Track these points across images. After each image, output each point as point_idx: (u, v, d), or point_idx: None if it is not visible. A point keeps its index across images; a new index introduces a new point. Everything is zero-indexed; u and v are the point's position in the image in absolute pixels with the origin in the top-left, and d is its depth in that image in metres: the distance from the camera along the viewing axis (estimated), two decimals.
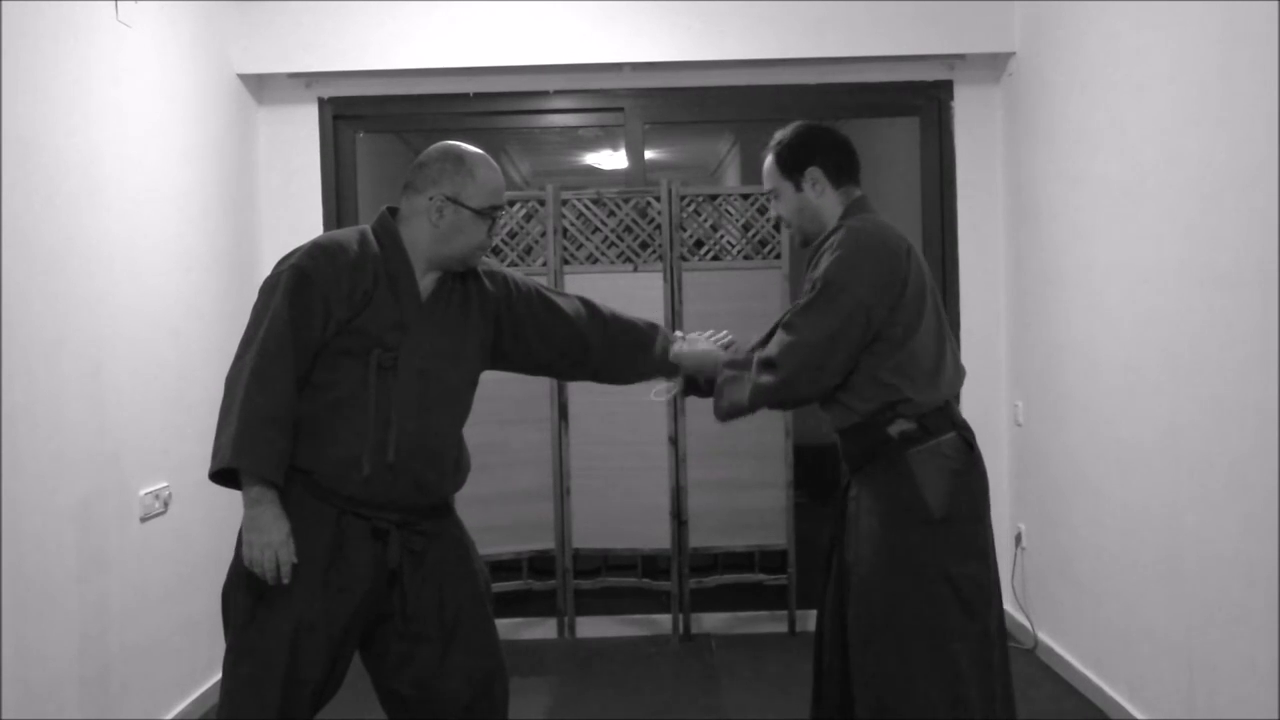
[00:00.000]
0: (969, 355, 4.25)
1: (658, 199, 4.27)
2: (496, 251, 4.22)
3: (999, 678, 2.25)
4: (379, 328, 2.09)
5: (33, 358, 2.72)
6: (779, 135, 2.40)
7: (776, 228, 4.25)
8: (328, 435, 2.07)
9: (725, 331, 2.54)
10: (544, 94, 4.40)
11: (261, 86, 4.30)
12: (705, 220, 4.30)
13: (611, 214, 4.29)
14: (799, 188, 2.35)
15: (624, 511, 4.24)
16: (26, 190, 2.71)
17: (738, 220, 4.29)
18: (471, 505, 2.50)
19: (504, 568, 4.24)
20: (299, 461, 2.06)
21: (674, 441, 4.23)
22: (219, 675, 2.17)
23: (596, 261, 4.27)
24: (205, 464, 2.04)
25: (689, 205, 4.28)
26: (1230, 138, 2.67)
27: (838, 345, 2.20)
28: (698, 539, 4.25)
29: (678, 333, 2.54)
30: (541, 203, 4.26)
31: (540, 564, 4.38)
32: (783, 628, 4.34)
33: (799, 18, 4.13)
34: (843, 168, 2.36)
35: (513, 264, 4.23)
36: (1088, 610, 3.57)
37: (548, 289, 2.39)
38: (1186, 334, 2.88)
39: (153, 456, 3.30)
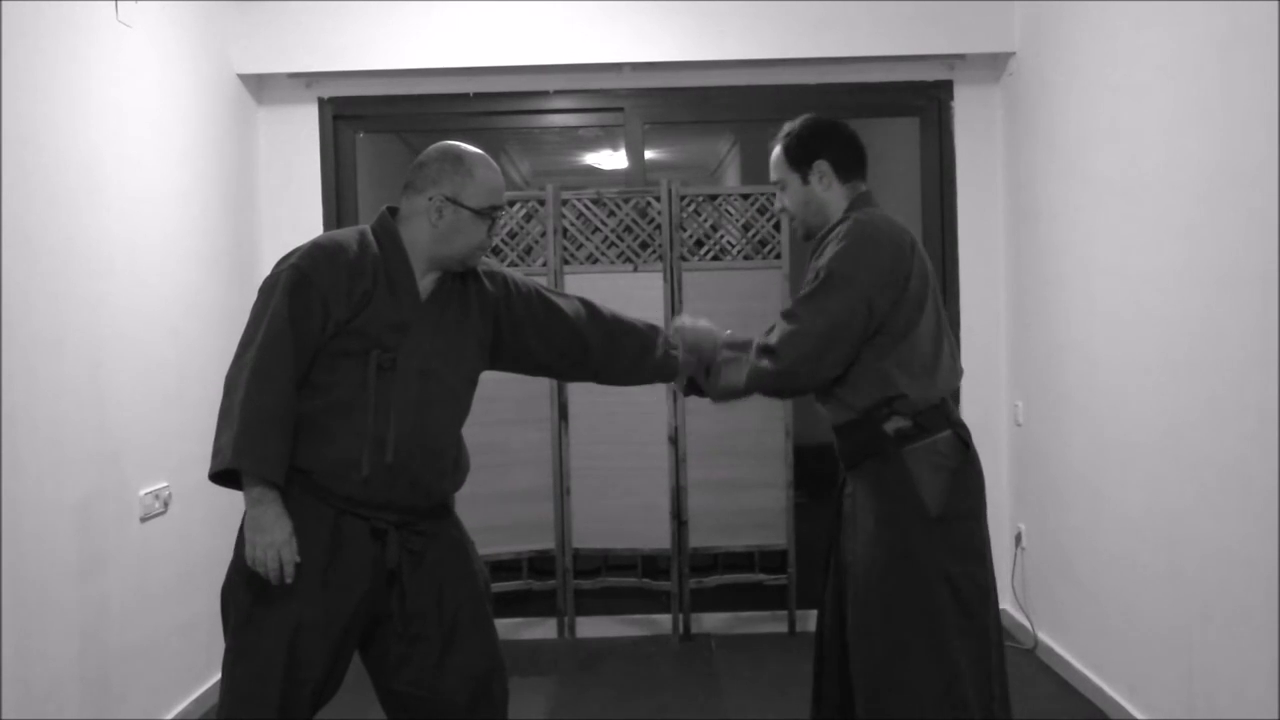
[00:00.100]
0: (969, 355, 4.25)
1: (658, 199, 4.27)
2: (496, 251, 4.22)
3: (996, 678, 2.25)
4: (378, 328, 2.09)
5: (33, 358, 2.72)
6: (788, 127, 2.40)
7: (777, 227, 4.25)
8: (326, 435, 2.07)
9: (728, 330, 2.53)
10: (544, 94, 4.40)
11: (261, 86, 4.30)
12: (705, 220, 4.30)
13: (611, 214, 4.29)
14: (806, 180, 2.35)
15: (624, 511, 4.24)
16: (26, 190, 2.72)
17: (738, 220, 4.29)
18: (471, 505, 2.50)
19: (504, 568, 4.24)
20: (298, 461, 2.06)
21: (674, 441, 4.23)
22: (219, 675, 2.17)
23: (596, 261, 4.27)
24: (205, 464, 2.04)
25: (689, 205, 4.28)
26: (1230, 138, 2.67)
27: (839, 336, 2.20)
28: (698, 539, 4.25)
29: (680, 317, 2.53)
30: (541, 203, 4.27)
31: (540, 564, 4.38)
32: (783, 628, 4.34)
33: (799, 18, 4.13)
34: (850, 162, 2.36)
35: (513, 264, 4.23)
36: (1088, 610, 3.57)
37: (548, 289, 2.39)
38: (1186, 334, 2.88)
39: (153, 456, 3.30)
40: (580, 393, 4.15)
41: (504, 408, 4.04)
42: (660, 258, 4.23)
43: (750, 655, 4.09)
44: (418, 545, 2.16)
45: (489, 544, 3.69)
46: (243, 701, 2.06)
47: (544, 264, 4.24)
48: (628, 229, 4.28)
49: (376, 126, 4.57)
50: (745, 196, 4.32)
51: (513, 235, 4.28)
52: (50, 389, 2.79)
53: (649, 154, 6.35)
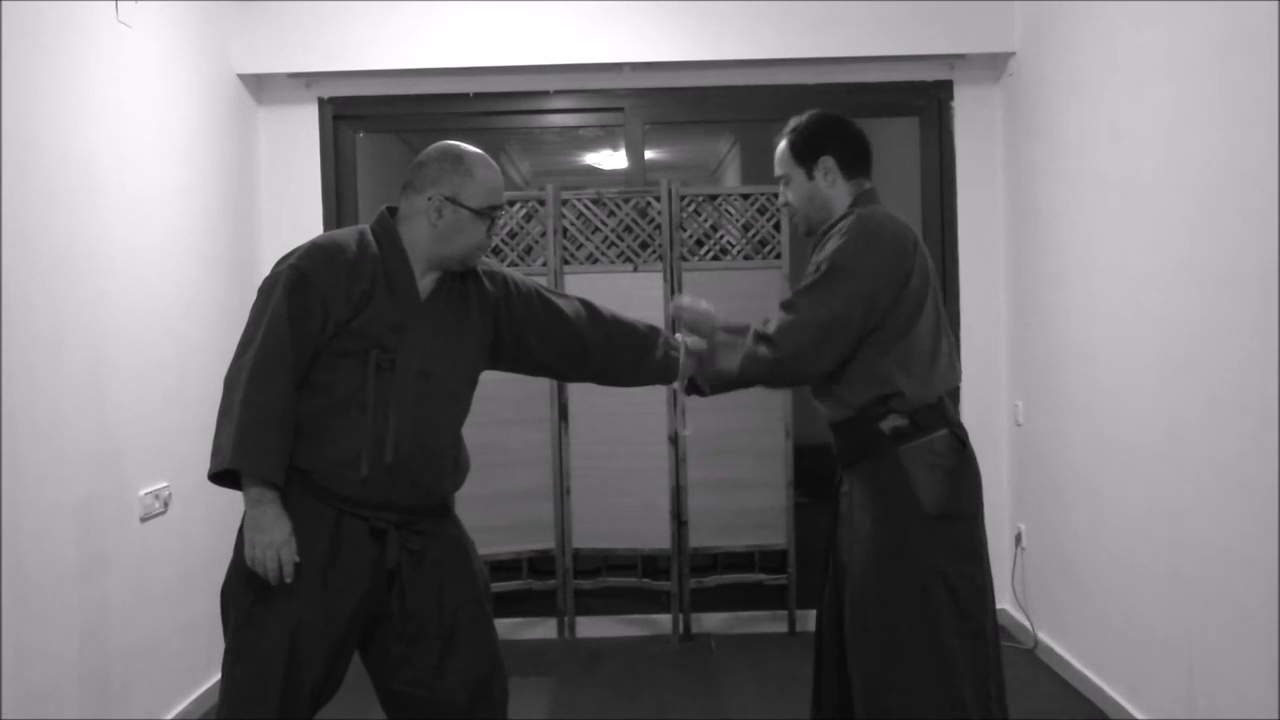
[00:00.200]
0: (969, 355, 4.26)
1: (658, 199, 4.27)
2: (496, 251, 4.22)
3: (994, 678, 2.25)
4: (377, 328, 2.09)
5: (33, 358, 2.72)
6: (794, 122, 2.40)
7: (777, 227, 4.25)
8: (326, 435, 2.07)
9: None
10: (544, 94, 4.40)
11: (261, 86, 4.30)
12: (705, 220, 4.30)
13: (611, 214, 4.29)
14: (811, 176, 2.35)
15: (624, 511, 4.24)
16: (26, 190, 2.71)
17: (738, 220, 4.29)
18: (471, 505, 2.50)
19: (504, 568, 4.24)
20: (297, 461, 2.06)
21: (674, 441, 4.23)
22: (219, 675, 2.17)
23: (596, 261, 4.27)
24: (205, 464, 2.04)
25: (689, 205, 4.28)
26: (1230, 138, 2.67)
27: (838, 329, 2.19)
28: (698, 539, 4.25)
29: (681, 297, 2.53)
30: (541, 203, 4.27)
31: (540, 564, 4.38)
32: (783, 628, 4.34)
33: (799, 18, 4.13)
34: (856, 159, 2.36)
35: (513, 264, 4.24)
36: (1088, 610, 3.57)
37: (548, 290, 2.39)
38: (1186, 334, 2.88)
39: (153, 456, 3.30)
40: (580, 393, 4.15)
41: (504, 408, 4.04)
42: (660, 258, 4.23)
43: (750, 655, 4.09)
44: (417, 545, 2.16)
45: (489, 544, 3.68)
46: (243, 701, 2.06)
47: (544, 264, 4.24)
48: (628, 229, 4.28)
49: (376, 126, 4.57)
50: (745, 196, 4.32)
51: (513, 235, 4.28)
52: (50, 389, 2.79)
53: (649, 154, 6.35)
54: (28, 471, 2.68)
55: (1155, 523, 3.08)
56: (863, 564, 2.23)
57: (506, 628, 4.17)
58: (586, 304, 2.40)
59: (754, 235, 4.27)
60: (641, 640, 4.31)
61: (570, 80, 4.34)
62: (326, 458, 2.07)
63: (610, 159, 7.95)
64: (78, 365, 2.92)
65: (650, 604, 4.40)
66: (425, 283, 2.17)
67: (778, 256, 4.25)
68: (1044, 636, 3.96)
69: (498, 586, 3.48)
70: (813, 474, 4.72)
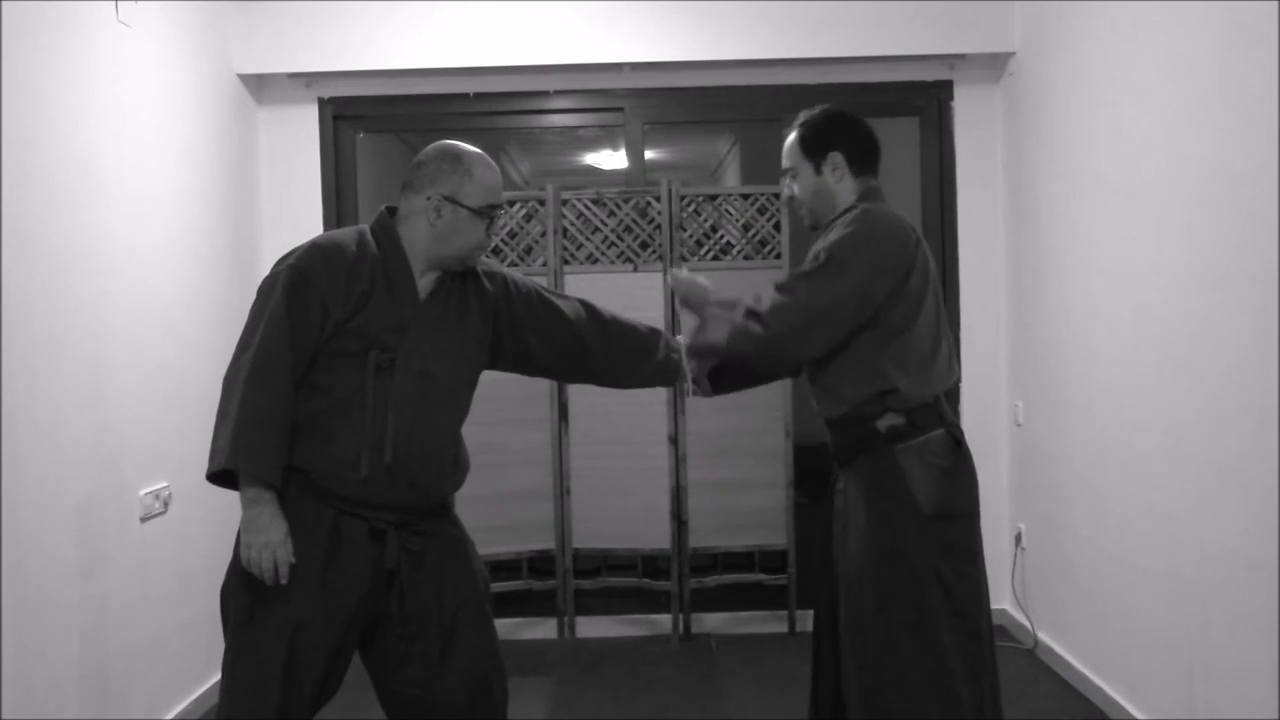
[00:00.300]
0: (969, 355, 4.26)
1: (658, 199, 4.27)
2: (496, 251, 4.22)
3: (988, 676, 2.25)
4: (377, 328, 2.09)
5: (33, 358, 2.72)
6: (805, 115, 2.40)
7: (777, 227, 4.25)
8: (325, 436, 2.07)
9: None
10: (544, 94, 4.40)
11: (261, 86, 4.30)
12: (705, 220, 4.30)
13: (611, 214, 4.29)
14: (818, 170, 2.35)
15: (624, 511, 4.24)
16: (26, 190, 2.72)
17: (738, 220, 4.29)
18: (471, 505, 2.50)
19: (504, 568, 4.24)
20: (297, 462, 2.06)
21: (674, 441, 4.23)
22: (219, 675, 2.17)
23: (596, 261, 4.27)
24: (205, 464, 2.04)
25: (689, 205, 4.29)
26: (1230, 138, 2.67)
27: (829, 318, 2.20)
28: (697, 539, 4.25)
29: (678, 269, 2.53)
30: (541, 203, 4.27)
31: (540, 564, 4.38)
32: (783, 628, 4.34)
33: (799, 18, 4.13)
34: (865, 157, 2.36)
35: (513, 264, 4.24)
36: (1088, 610, 3.57)
37: (548, 290, 2.39)
38: (1186, 334, 2.88)
39: (153, 456, 3.30)
40: (580, 393, 4.15)
41: (504, 408, 4.04)
42: (660, 258, 4.23)
43: (750, 655, 4.09)
44: (417, 545, 2.16)
45: (489, 544, 3.68)
46: (242, 701, 2.06)
47: (544, 264, 4.24)
48: (628, 229, 4.28)
49: (376, 126, 4.57)
50: (745, 196, 4.32)
51: (513, 235, 4.28)
52: (50, 389, 2.79)
53: (649, 154, 6.36)
54: (28, 471, 2.68)
55: (1155, 523, 3.08)
56: (858, 563, 2.23)
57: (506, 628, 4.17)
58: (587, 305, 2.40)
59: (754, 235, 4.27)
60: (641, 640, 4.31)
61: (570, 80, 4.34)
62: (326, 458, 2.07)
63: (610, 159, 7.95)
64: (78, 365, 2.92)
65: (650, 604, 4.40)
66: (425, 283, 2.17)
67: (778, 256, 4.25)
68: (1044, 636, 3.96)
69: (498, 586, 3.48)
70: (812, 474, 4.72)
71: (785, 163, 2.41)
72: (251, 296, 2.12)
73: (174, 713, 3.44)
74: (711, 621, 4.38)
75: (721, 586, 4.34)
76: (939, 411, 2.27)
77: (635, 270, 4.25)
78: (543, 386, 4.15)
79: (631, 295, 4.11)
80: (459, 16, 4.12)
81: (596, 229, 4.29)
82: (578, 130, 6.12)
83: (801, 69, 4.30)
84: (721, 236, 4.29)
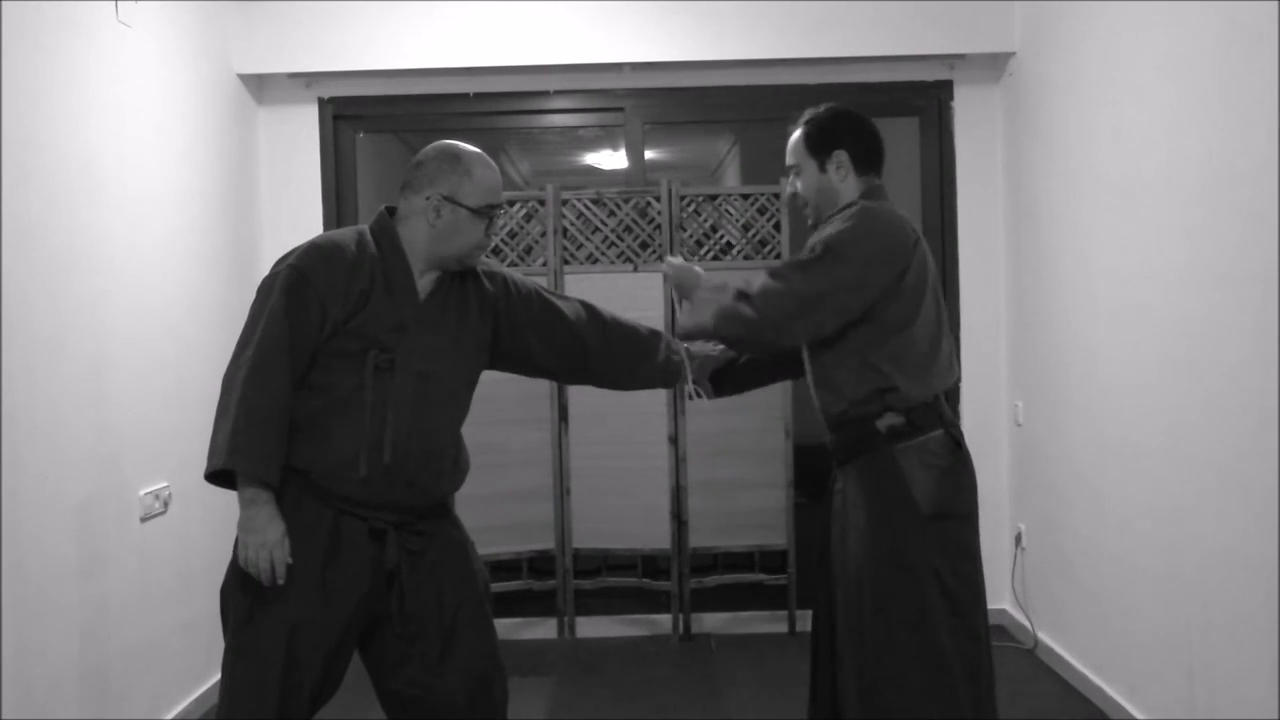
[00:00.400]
0: (969, 355, 4.26)
1: (658, 199, 4.27)
2: (496, 251, 4.22)
3: (984, 676, 2.25)
4: (376, 328, 2.09)
5: (33, 358, 2.72)
6: (810, 113, 2.40)
7: (777, 227, 4.25)
8: (325, 436, 2.07)
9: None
10: (544, 94, 4.40)
11: (261, 86, 4.30)
12: (705, 220, 4.30)
13: (611, 214, 4.29)
14: (823, 168, 2.36)
15: (624, 511, 4.24)
16: (26, 190, 2.72)
17: (738, 220, 4.29)
18: (471, 505, 2.51)
19: (504, 568, 4.24)
20: (296, 462, 2.06)
21: (674, 441, 4.23)
22: (219, 675, 2.17)
23: (596, 261, 4.27)
24: (204, 464, 2.04)
25: (689, 205, 4.29)
26: (1230, 138, 2.67)
27: (818, 306, 2.20)
28: (698, 539, 4.25)
29: (670, 257, 2.54)
30: (541, 203, 4.27)
31: (540, 564, 4.38)
32: (783, 628, 4.34)
33: (799, 18, 4.13)
34: (869, 156, 2.37)
35: (513, 264, 4.24)
36: (1088, 610, 3.57)
37: (548, 291, 2.39)
38: (1186, 334, 2.88)
39: (153, 456, 3.30)
40: (580, 393, 4.15)
41: (504, 408, 4.04)
42: (660, 258, 4.23)
43: (750, 655, 4.08)
44: (417, 545, 2.16)
45: (489, 544, 3.69)
46: (242, 701, 2.06)
47: (544, 264, 4.24)
48: (628, 229, 4.28)
49: (376, 126, 4.57)
50: (745, 196, 4.32)
51: (513, 235, 4.28)
52: (50, 389, 2.79)
53: (649, 154, 6.36)
54: (28, 471, 2.68)
55: (1155, 523, 3.08)
56: (857, 561, 2.23)
57: (506, 628, 4.17)
58: (587, 306, 2.40)
59: (754, 235, 4.27)
60: (641, 640, 4.31)
61: (570, 80, 4.34)
62: (325, 458, 2.07)
63: (610, 159, 7.94)
64: (78, 365, 2.92)
65: (650, 604, 4.40)
66: (424, 283, 2.17)
67: (778, 256, 4.25)
68: (1044, 636, 3.96)
69: (498, 586, 3.48)
70: (812, 474, 4.72)
71: (790, 160, 2.41)
72: (251, 296, 2.12)
73: (174, 713, 3.44)
74: (711, 621, 4.38)
75: (721, 586, 4.34)
76: (938, 411, 2.27)
77: (635, 270, 4.25)
78: (543, 386, 4.15)
79: (631, 295, 4.11)
80: (459, 16, 4.12)
81: (596, 229, 4.29)
82: (578, 130, 6.12)
83: (801, 69, 4.30)
84: (721, 236, 4.29)
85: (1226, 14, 2.67)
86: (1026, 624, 4.07)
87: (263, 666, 2.04)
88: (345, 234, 2.16)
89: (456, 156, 2.17)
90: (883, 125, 2.49)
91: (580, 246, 4.27)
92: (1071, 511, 3.69)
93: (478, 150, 2.20)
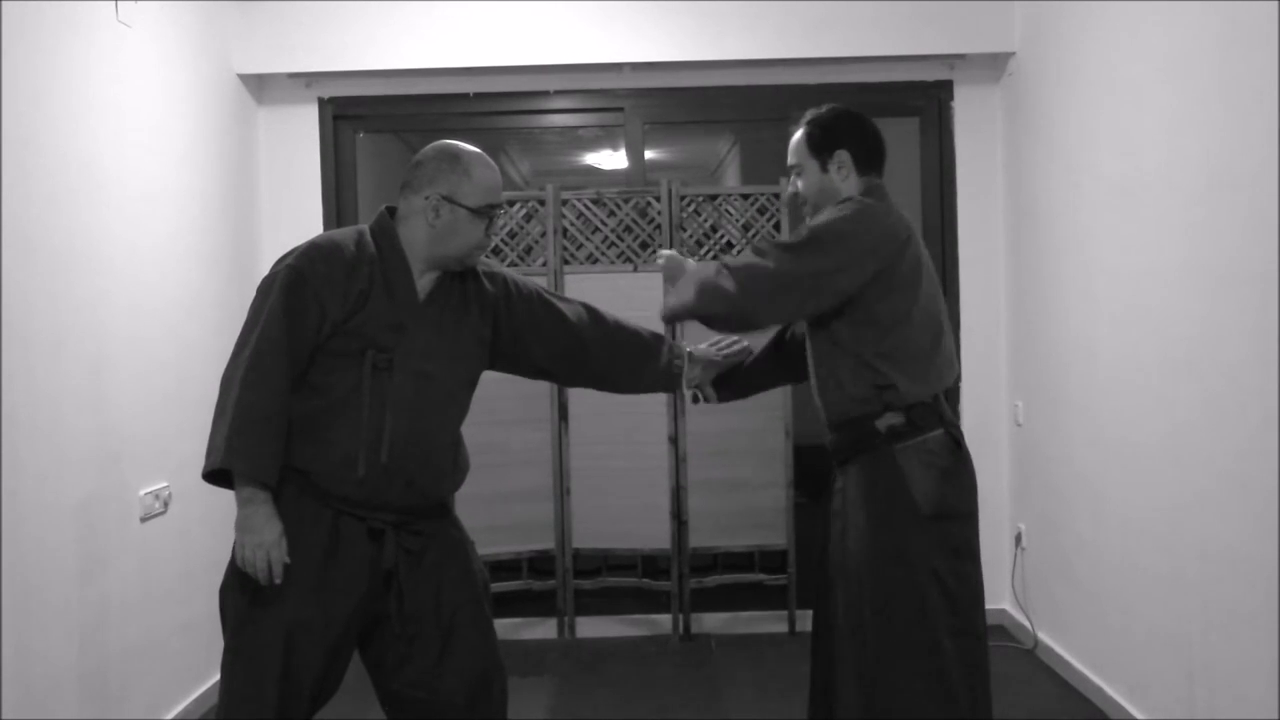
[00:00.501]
0: (969, 355, 4.26)
1: (658, 199, 4.27)
2: (496, 251, 4.22)
3: (984, 678, 2.26)
4: (375, 328, 2.09)
5: (33, 358, 2.72)
6: (812, 113, 2.41)
7: (777, 227, 4.25)
8: (323, 436, 2.07)
9: (736, 337, 2.54)
10: (544, 94, 4.40)
11: (261, 86, 4.30)
12: (705, 220, 4.30)
13: (611, 214, 4.29)
14: (825, 168, 2.36)
15: (624, 511, 4.24)
16: (26, 190, 2.72)
17: (738, 220, 4.29)
18: (471, 505, 2.51)
19: (504, 568, 4.24)
20: (295, 462, 2.06)
21: (674, 441, 4.23)
22: (219, 675, 2.17)
23: (596, 261, 4.27)
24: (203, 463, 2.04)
25: (689, 205, 4.29)
26: (1230, 138, 2.67)
27: (798, 287, 2.20)
28: (698, 539, 4.25)
29: (682, 251, 2.54)
30: (541, 203, 4.27)
31: (540, 564, 4.38)
32: (783, 628, 4.34)
33: (799, 18, 4.13)
34: (871, 156, 2.37)
35: (513, 264, 4.24)
36: (1088, 610, 3.57)
37: (549, 292, 2.38)
38: (1186, 334, 2.88)
39: (153, 456, 3.30)
40: (580, 393, 4.13)
41: (504, 408, 4.04)
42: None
43: (750, 655, 4.08)
44: (415, 546, 2.16)
45: (489, 544, 3.69)
46: (241, 701, 2.06)
47: (544, 264, 4.24)
48: (628, 229, 4.28)
49: (376, 126, 4.57)
50: (745, 196, 4.32)
51: (513, 235, 4.28)
52: (50, 389, 2.79)
53: (649, 154, 6.35)
54: (28, 471, 2.68)
55: (1155, 523, 3.08)
56: (858, 561, 2.23)
57: (506, 628, 4.17)
58: (589, 308, 2.40)
59: (754, 235, 4.27)
60: (641, 640, 4.31)
61: (570, 80, 4.34)
62: (323, 458, 2.07)
63: (610, 159, 7.94)
64: (78, 365, 2.92)
65: (650, 604, 4.40)
66: (424, 283, 2.17)
67: None
68: (1044, 636, 3.96)
69: (498, 586, 3.48)
70: (813, 474, 4.72)
71: (791, 159, 2.42)
72: (251, 296, 2.12)
73: (174, 713, 3.44)
74: (711, 621, 4.38)
75: (721, 586, 4.34)
76: (938, 411, 2.27)
77: (635, 270, 4.25)
78: (543, 386, 4.15)
79: (631, 295, 4.10)
80: (459, 16, 4.12)
81: (596, 229, 4.29)
82: (578, 130, 6.12)
83: (801, 69, 4.30)
84: (721, 236, 4.28)
85: (1226, 14, 2.67)
86: (1026, 624, 4.07)
87: (262, 667, 2.04)
88: (345, 234, 2.16)
89: (456, 156, 2.17)
90: (883, 125, 2.49)
91: (580, 246, 4.27)
92: (1071, 511, 3.69)
93: (477, 150, 2.20)
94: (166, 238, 3.47)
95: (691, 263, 2.43)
